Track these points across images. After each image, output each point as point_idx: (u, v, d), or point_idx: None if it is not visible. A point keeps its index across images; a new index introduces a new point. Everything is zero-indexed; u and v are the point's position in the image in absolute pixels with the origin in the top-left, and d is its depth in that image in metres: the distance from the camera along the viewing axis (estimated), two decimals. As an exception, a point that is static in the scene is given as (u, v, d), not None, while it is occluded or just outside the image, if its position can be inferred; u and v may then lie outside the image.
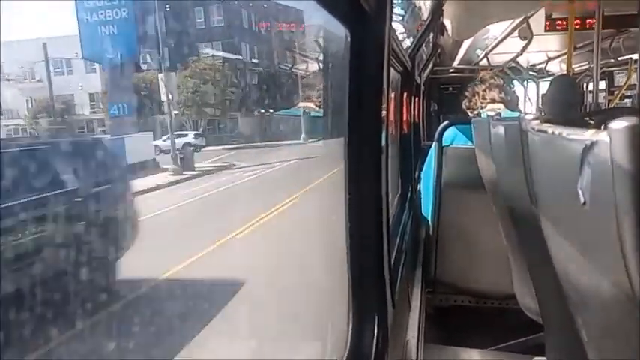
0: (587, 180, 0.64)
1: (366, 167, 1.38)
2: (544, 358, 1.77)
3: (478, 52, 7.22)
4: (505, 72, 6.09)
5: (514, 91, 3.24)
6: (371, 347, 1.34)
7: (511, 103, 2.95)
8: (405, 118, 3.39)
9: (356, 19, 1.22)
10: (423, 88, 5.66)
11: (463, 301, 3.02)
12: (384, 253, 1.46)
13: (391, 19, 1.42)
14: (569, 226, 0.78)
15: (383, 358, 1.36)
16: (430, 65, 5.46)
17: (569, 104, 3.09)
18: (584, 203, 0.65)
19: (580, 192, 0.65)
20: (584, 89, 7.60)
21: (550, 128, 0.81)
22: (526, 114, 1.06)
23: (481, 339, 2.53)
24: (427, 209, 3.04)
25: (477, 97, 2.98)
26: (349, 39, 1.26)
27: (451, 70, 8.18)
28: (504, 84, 3.01)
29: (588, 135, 0.62)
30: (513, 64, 6.66)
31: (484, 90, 2.96)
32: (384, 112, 1.42)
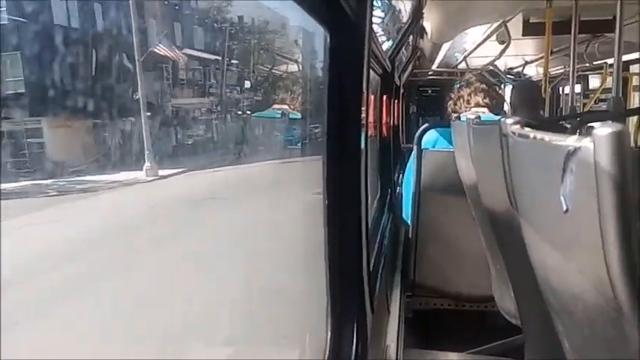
0: (569, 186, 0.62)
1: (345, 170, 1.36)
2: None
3: (457, 55, 7.28)
4: (483, 75, 6.15)
5: (501, 95, 3.25)
6: (350, 354, 1.32)
7: (496, 107, 2.96)
8: (384, 121, 3.38)
9: (335, 20, 1.19)
10: (402, 90, 5.68)
11: (442, 305, 3.02)
12: (363, 257, 1.44)
13: (371, 21, 1.40)
14: (550, 232, 0.77)
15: None
16: (409, 68, 5.49)
17: (532, 106, 3.17)
18: (567, 210, 0.63)
19: (562, 199, 0.64)
20: (561, 92, 7.73)
21: (532, 133, 0.80)
22: (506, 117, 1.05)
23: (461, 342, 2.54)
24: (407, 213, 3.04)
25: (461, 100, 2.98)
26: (328, 40, 1.24)
27: (430, 73, 8.24)
28: (489, 89, 3.02)
29: (571, 141, 0.61)
30: (491, 68, 6.74)
31: (469, 94, 2.96)
32: (363, 115, 1.40)
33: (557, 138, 0.67)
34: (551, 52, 4.70)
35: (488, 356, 2.40)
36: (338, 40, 1.25)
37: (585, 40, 5.17)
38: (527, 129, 0.86)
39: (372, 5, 1.43)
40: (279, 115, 3.25)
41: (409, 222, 2.99)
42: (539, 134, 0.76)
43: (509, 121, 1.01)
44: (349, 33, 1.26)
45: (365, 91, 1.38)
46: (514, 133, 0.93)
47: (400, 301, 2.50)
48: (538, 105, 3.21)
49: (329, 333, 1.31)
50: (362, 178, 1.40)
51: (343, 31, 1.23)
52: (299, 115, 3.34)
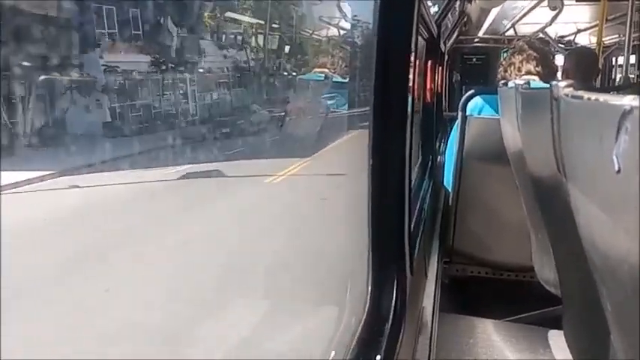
0: (623, 146, 0.63)
1: (391, 134, 1.37)
2: (560, 331, 1.78)
3: (505, 22, 7.04)
4: (539, 41, 5.96)
5: (554, 63, 3.11)
6: (389, 311, 1.36)
7: (548, 76, 2.84)
8: (428, 87, 3.34)
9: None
10: (446, 57, 5.57)
11: (480, 272, 3.03)
12: (405, 218, 1.46)
13: (422, -18, 1.39)
14: (600, 192, 0.77)
15: (401, 322, 1.38)
16: (455, 34, 5.36)
17: (585, 75, 3.06)
18: (619, 170, 0.64)
19: (615, 158, 0.64)
20: (614, 63, 7.41)
21: (586, 94, 0.80)
22: (558, 82, 1.05)
23: (496, 310, 2.55)
24: (448, 180, 3.03)
25: (512, 67, 2.89)
26: (378, 1, 1.24)
27: (476, 40, 8.01)
28: (542, 57, 2.89)
29: (628, 100, 0.61)
30: (541, 35, 6.50)
31: (520, 62, 2.87)
32: (410, 78, 1.41)
33: (612, 98, 0.67)
34: (606, 20, 4.51)
35: (524, 325, 2.41)
36: (388, 1, 1.24)
37: (643, 8, 4.92)
38: (581, 91, 0.86)
39: (424, -34, 1.42)
40: (322, 78, 3.24)
41: (450, 189, 2.98)
42: (594, 95, 0.76)
43: (562, 84, 1.00)
44: (400, -6, 1.25)
45: (413, 54, 1.38)
46: (567, 96, 0.93)
47: (437, 267, 2.52)
48: (592, 74, 3.10)
49: (369, 289, 1.36)
50: (407, 142, 1.41)
51: (394, -8, 1.23)
52: (342, 79, 3.29)
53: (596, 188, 0.80)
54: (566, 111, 0.98)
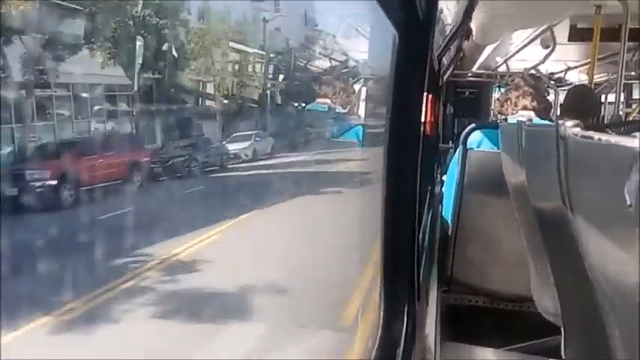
0: (635, 184, 0.70)
1: (404, 166, 1.45)
2: None
3: (498, 58, 7.24)
4: (533, 79, 6.12)
5: (548, 100, 3.27)
6: (400, 336, 1.41)
7: (543, 112, 2.98)
8: (428, 120, 3.44)
9: (407, 24, 1.28)
10: (443, 91, 5.71)
11: (478, 302, 3.08)
12: (415, 251, 1.52)
13: (436, 24, 1.48)
14: (611, 228, 0.84)
15: (411, 349, 1.43)
16: (451, 69, 5.51)
17: (586, 113, 3.17)
18: (630, 205, 0.71)
19: (627, 195, 0.71)
20: (604, 100, 7.63)
21: (596, 135, 0.87)
22: (565, 121, 1.12)
23: (495, 339, 2.59)
24: (447, 211, 3.10)
25: (508, 102, 3.02)
26: (397, 41, 1.33)
27: (469, 75, 8.21)
28: (537, 93, 3.03)
29: (638, 142, 0.69)
30: (533, 72, 6.69)
31: (517, 97, 3.00)
32: (422, 113, 1.49)
33: (623, 139, 0.75)
34: (597, 59, 4.67)
35: (523, 354, 2.45)
36: (406, 41, 1.33)
37: (632, 48, 5.10)
38: (590, 132, 0.93)
39: (437, 7, 1.51)
40: (325, 109, 3.32)
41: (449, 220, 3.05)
42: (604, 136, 0.83)
43: (569, 124, 1.08)
44: (417, 35, 1.34)
45: (426, 91, 1.46)
46: (576, 135, 1.00)
47: (437, 296, 2.57)
48: (590, 113, 3.22)
49: (381, 315, 1.41)
50: (418, 175, 1.48)
51: (412, 34, 1.32)
52: (343, 110, 3.36)
53: (606, 224, 0.87)
54: (574, 149, 1.05)
